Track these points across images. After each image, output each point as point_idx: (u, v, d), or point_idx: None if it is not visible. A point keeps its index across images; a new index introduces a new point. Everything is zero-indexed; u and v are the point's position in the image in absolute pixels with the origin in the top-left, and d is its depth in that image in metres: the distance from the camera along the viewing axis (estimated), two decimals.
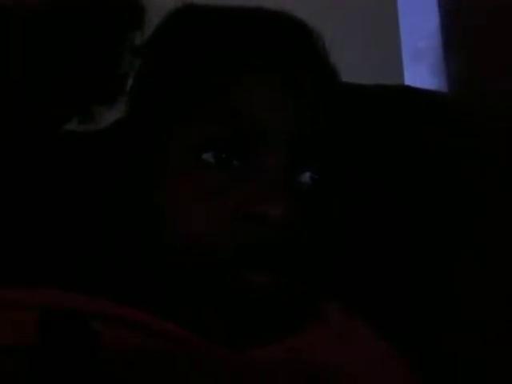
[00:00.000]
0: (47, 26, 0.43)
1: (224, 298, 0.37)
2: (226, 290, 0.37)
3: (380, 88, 0.57)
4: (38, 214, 0.49)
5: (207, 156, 0.38)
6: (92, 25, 0.45)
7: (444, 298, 0.51)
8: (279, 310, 0.38)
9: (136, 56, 0.45)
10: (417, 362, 0.43)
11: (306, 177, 0.40)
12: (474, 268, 0.50)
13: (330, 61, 0.46)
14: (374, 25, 0.94)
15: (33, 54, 0.44)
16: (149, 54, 0.44)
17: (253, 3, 0.44)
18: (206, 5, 0.44)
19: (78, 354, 0.34)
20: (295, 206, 0.37)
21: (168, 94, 0.42)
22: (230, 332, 0.38)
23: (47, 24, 0.43)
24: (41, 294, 0.38)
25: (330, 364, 0.39)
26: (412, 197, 0.54)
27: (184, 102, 0.41)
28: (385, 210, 0.53)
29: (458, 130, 0.54)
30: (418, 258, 0.53)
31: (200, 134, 0.39)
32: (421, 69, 0.85)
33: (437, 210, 0.53)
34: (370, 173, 0.54)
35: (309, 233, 0.39)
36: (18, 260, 0.46)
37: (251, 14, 0.44)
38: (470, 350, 0.48)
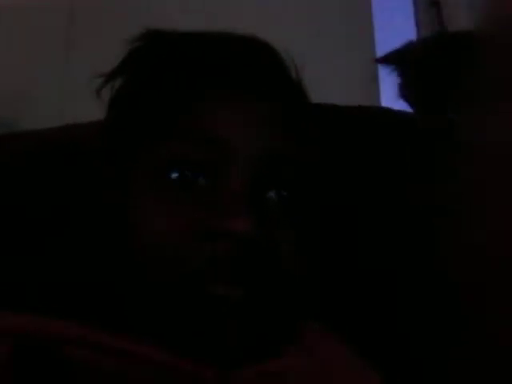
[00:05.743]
0: None
1: (195, 314, 0.38)
2: (196, 306, 0.38)
3: (356, 109, 0.57)
4: (9, 236, 0.49)
5: (174, 175, 0.40)
6: None
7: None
8: (253, 326, 0.38)
9: (109, 79, 0.45)
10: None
11: (273, 194, 0.41)
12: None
13: (298, 81, 0.46)
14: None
15: None
16: (120, 77, 0.45)
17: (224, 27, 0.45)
18: (173, 30, 0.45)
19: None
20: (262, 221, 0.38)
21: (137, 115, 0.43)
22: (206, 349, 0.38)
23: None
24: (15, 321, 0.38)
25: None
26: (386, 221, 0.54)
27: (152, 124, 0.42)
28: (357, 232, 0.53)
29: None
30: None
31: (167, 154, 0.40)
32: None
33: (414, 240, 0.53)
34: (343, 193, 0.54)
35: (278, 247, 0.40)
36: None
37: (217, 39, 0.44)
38: None
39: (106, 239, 0.43)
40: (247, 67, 0.42)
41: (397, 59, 0.77)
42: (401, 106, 0.82)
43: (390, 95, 0.89)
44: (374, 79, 0.93)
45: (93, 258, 0.44)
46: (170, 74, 0.43)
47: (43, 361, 0.34)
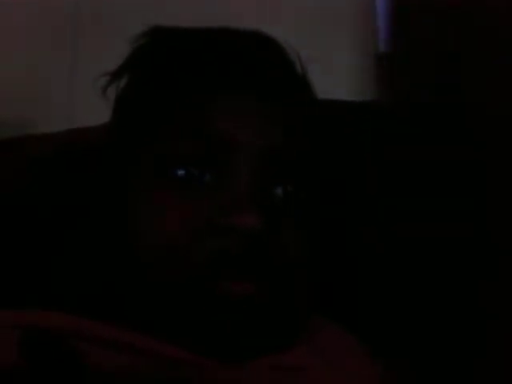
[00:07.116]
0: None
1: (203, 311, 0.38)
2: (204, 302, 0.38)
3: (352, 104, 0.58)
4: (16, 237, 0.51)
5: (180, 172, 0.40)
6: None
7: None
8: (261, 320, 0.39)
9: (114, 79, 0.45)
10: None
11: (279, 190, 0.42)
12: None
13: (303, 76, 0.47)
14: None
15: None
16: (124, 75, 0.46)
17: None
18: (175, 27, 0.46)
19: (61, 375, 0.34)
20: (268, 216, 0.39)
21: (143, 114, 0.44)
22: (214, 344, 0.38)
23: None
24: (27, 315, 0.39)
25: None
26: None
27: (158, 121, 0.43)
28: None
29: None
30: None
31: (173, 150, 0.41)
32: None
33: None
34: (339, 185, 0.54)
35: (285, 242, 0.41)
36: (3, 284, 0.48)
37: (220, 35, 0.45)
38: None
39: (111, 240, 0.43)
40: (250, 63, 0.43)
41: None
42: None
43: None
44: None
45: (99, 257, 0.45)
46: (173, 72, 0.43)
47: (52, 352, 0.35)
